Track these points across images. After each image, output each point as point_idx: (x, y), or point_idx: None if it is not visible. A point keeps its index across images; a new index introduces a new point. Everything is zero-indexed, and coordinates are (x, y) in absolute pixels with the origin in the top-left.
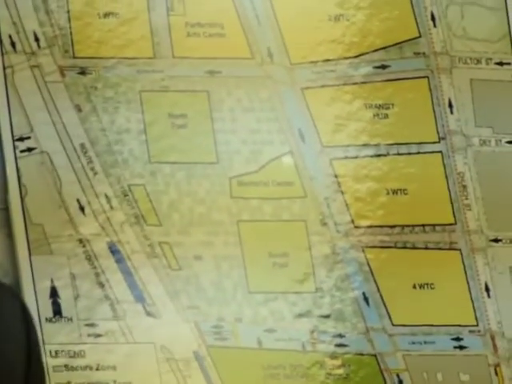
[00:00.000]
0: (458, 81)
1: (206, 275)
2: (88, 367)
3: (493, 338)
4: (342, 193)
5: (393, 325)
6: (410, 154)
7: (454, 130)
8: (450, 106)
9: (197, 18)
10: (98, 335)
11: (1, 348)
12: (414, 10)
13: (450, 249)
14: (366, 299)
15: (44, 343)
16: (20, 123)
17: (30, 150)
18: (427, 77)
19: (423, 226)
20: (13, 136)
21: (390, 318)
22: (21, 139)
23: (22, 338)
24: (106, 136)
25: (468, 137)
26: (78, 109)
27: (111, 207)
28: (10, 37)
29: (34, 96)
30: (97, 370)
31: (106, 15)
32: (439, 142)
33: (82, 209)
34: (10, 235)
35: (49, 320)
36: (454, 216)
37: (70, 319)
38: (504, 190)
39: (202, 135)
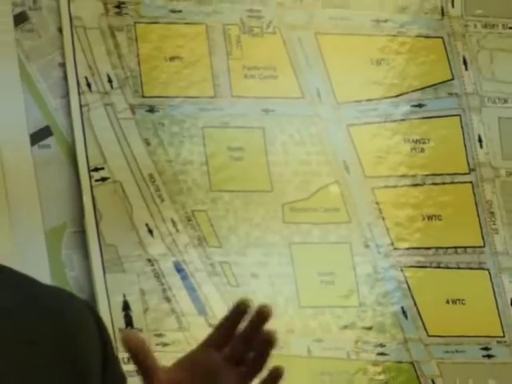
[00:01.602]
0: (487, 118)
1: (261, 291)
2: None
3: None
4: (383, 218)
5: (428, 336)
6: (443, 183)
7: (483, 163)
8: (480, 140)
9: (253, 62)
10: (166, 344)
11: (81, 356)
12: (447, 54)
13: (479, 268)
14: (404, 313)
15: (118, 351)
16: (95, 155)
17: (103, 179)
18: (459, 115)
19: (455, 248)
20: (88, 167)
21: (425, 329)
22: (95, 169)
23: (98, 346)
24: (171, 167)
25: (496, 168)
26: (147, 143)
27: (177, 230)
28: (86, 78)
29: (108, 131)
30: None
31: (172, 59)
32: (469, 173)
33: (150, 232)
34: (86, 255)
35: (121, 330)
36: (483, 239)
37: (141, 330)
38: None
39: (258, 166)
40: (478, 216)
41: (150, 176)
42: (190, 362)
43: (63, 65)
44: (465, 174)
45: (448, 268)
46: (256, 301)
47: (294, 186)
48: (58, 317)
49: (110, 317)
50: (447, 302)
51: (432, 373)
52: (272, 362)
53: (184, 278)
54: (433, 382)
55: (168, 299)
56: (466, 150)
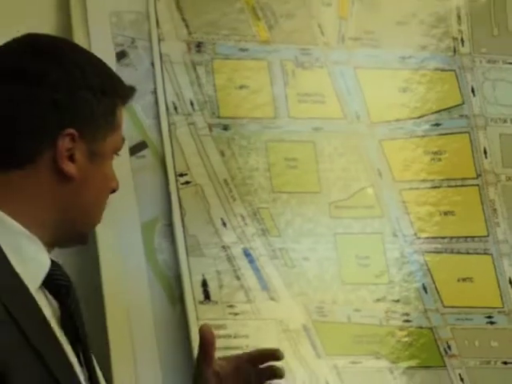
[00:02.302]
0: (491, 135)
1: (311, 271)
2: (228, 336)
3: None
4: (408, 214)
5: (444, 306)
6: (456, 186)
7: (488, 170)
8: (485, 152)
9: (305, 90)
10: (236, 314)
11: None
12: (459, 84)
13: (484, 254)
14: (424, 289)
15: (198, 319)
16: (180, 164)
17: (187, 183)
18: (468, 132)
19: (465, 237)
20: (175, 173)
21: (441, 301)
22: (181, 175)
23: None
24: (241, 173)
25: (497, 174)
26: (222, 154)
27: (245, 223)
28: (173, 103)
29: (190, 145)
30: (234, 338)
31: (241, 87)
32: (477, 178)
33: (224, 224)
34: (173, 243)
35: (201, 303)
36: (488, 230)
37: (216, 302)
38: None
39: (309, 173)
40: (484, 212)
41: (224, 180)
42: (233, 363)
43: (155, 92)
44: (473, 178)
45: (459, 253)
46: (307, 279)
47: (338, 189)
48: None
49: (192, 292)
50: (458, 280)
51: (447, 336)
52: (320, 328)
53: (251, 261)
54: (447, 343)
55: (238, 278)
56: (473, 159)
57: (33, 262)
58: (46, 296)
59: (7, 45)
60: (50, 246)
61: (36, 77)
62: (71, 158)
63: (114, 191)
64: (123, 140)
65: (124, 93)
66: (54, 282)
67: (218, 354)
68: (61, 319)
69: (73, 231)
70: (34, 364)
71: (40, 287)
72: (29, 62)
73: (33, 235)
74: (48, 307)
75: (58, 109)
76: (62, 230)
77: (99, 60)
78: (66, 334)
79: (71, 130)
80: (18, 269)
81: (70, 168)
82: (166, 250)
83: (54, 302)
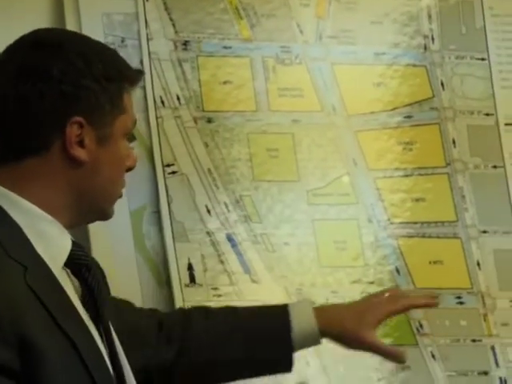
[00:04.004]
0: (459, 126)
1: (291, 255)
2: None
3: (482, 297)
4: (382, 200)
5: (416, 288)
6: (426, 174)
7: (456, 159)
8: (454, 142)
9: (285, 85)
10: (220, 295)
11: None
12: (429, 79)
13: (453, 237)
14: (397, 271)
15: (184, 301)
16: (167, 155)
17: (174, 172)
18: (438, 123)
19: (436, 222)
20: (163, 163)
21: (413, 283)
22: (168, 165)
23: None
24: (224, 163)
25: (465, 163)
26: (206, 145)
27: (228, 210)
28: (161, 97)
29: (177, 137)
30: None
31: (225, 83)
32: (446, 166)
33: (208, 211)
34: (160, 229)
35: (187, 285)
36: (457, 215)
37: (201, 285)
38: (490, 198)
39: (289, 163)
40: (453, 198)
41: (209, 170)
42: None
43: (144, 87)
44: (443, 167)
45: (430, 237)
46: (287, 262)
47: (316, 177)
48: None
49: (178, 275)
50: (429, 262)
51: (419, 316)
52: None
53: (234, 246)
54: (419, 323)
55: (222, 262)
56: (443, 149)
57: (55, 244)
58: (68, 276)
59: (14, 43)
60: (69, 226)
61: (41, 73)
62: (81, 144)
63: (130, 169)
64: (134, 121)
65: (130, 77)
66: (76, 262)
67: None
68: (82, 297)
69: (94, 210)
70: (63, 344)
71: (62, 267)
72: (32, 58)
73: (53, 218)
74: (71, 286)
75: (64, 99)
76: (80, 211)
77: (104, 47)
78: (88, 310)
79: (78, 118)
80: (41, 251)
81: (80, 153)
82: (154, 236)
83: (76, 281)
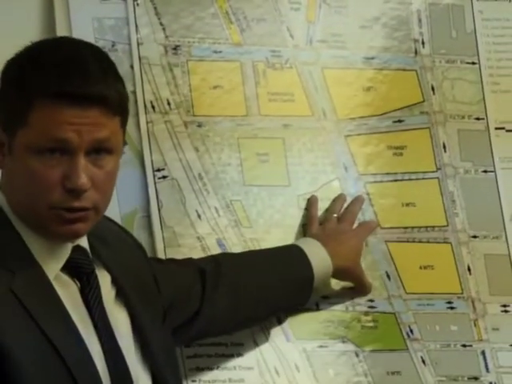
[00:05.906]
0: (450, 130)
1: None
2: None
3: (473, 302)
4: (372, 205)
5: (406, 293)
6: (417, 179)
7: (447, 163)
8: (444, 147)
9: (275, 89)
10: None
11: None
12: (420, 83)
13: (444, 242)
14: (388, 276)
15: None
16: (158, 160)
17: (164, 177)
18: (429, 128)
19: (426, 227)
20: (153, 168)
21: (404, 288)
22: (158, 170)
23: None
24: (215, 168)
25: (456, 168)
26: (196, 150)
27: (219, 215)
28: (151, 102)
29: (167, 141)
30: None
31: (215, 87)
32: (436, 171)
33: (199, 216)
34: (151, 234)
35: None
36: (447, 220)
37: None
38: (480, 203)
39: (279, 167)
40: (443, 203)
41: (199, 175)
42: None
43: (134, 92)
44: (433, 171)
45: (421, 242)
46: None
47: (306, 182)
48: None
49: None
50: (420, 267)
51: (409, 321)
52: (289, 314)
53: (224, 250)
54: (409, 327)
55: None
56: (433, 153)
57: (52, 250)
58: (67, 278)
59: None
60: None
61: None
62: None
63: (72, 190)
64: (50, 139)
65: (47, 89)
66: (76, 267)
67: None
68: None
69: (32, 223)
70: (43, 349)
71: (62, 270)
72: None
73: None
74: (72, 289)
75: None
76: (29, 221)
77: (57, 54)
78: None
79: None
80: (37, 255)
81: None
82: (145, 241)
83: (78, 283)
